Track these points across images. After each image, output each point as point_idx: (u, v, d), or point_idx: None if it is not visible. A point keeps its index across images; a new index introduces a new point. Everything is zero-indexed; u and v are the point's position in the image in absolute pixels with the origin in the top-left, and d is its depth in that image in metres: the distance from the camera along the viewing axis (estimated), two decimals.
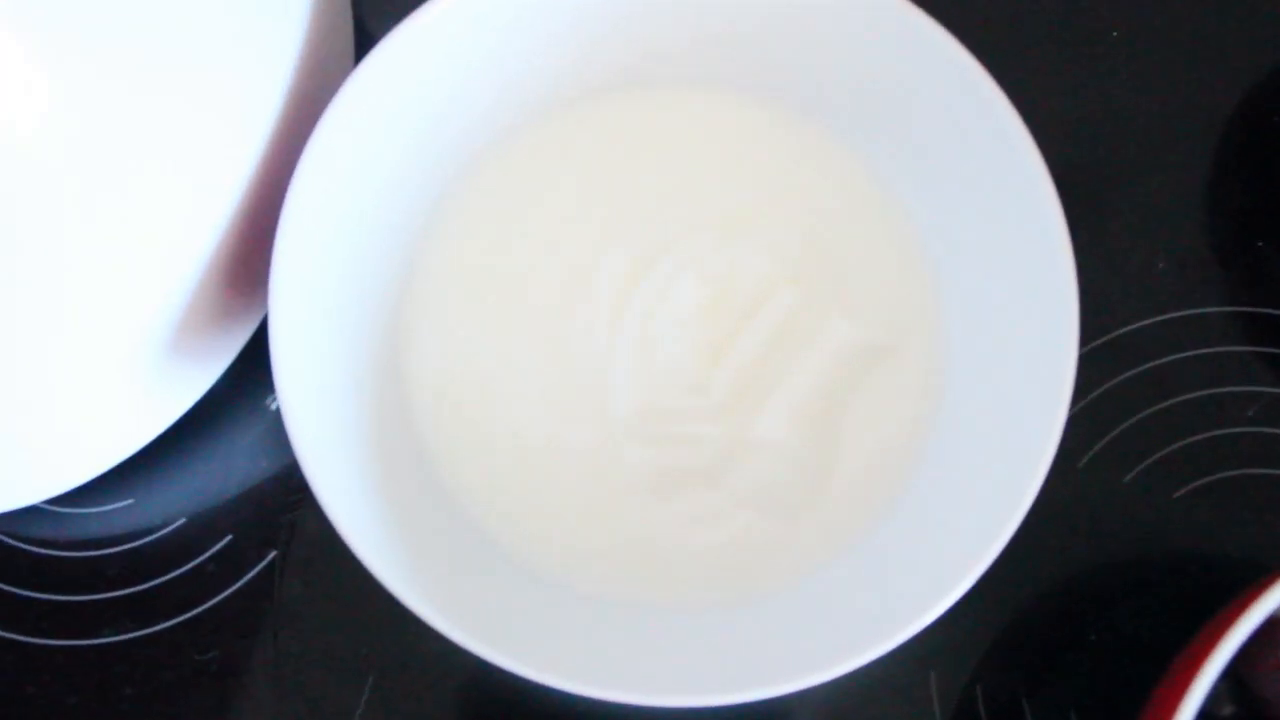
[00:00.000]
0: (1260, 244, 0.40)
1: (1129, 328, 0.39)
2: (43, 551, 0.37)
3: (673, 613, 0.33)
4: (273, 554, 0.37)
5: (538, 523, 0.34)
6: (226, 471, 0.38)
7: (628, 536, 0.34)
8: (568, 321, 0.35)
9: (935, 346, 0.35)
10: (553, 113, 0.36)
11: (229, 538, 0.37)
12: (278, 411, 0.37)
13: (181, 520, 0.37)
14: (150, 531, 0.37)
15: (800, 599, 0.33)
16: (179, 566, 0.37)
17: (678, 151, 0.36)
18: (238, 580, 0.37)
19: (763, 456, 0.34)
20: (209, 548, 0.37)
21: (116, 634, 0.36)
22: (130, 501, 0.37)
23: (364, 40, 0.38)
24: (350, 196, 0.33)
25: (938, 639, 0.35)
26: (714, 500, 0.34)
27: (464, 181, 0.36)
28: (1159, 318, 0.39)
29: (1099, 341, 0.39)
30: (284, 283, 0.30)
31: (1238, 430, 0.39)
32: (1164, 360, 0.39)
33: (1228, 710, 0.33)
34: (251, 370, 0.37)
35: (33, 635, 0.36)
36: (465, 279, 0.35)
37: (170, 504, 0.37)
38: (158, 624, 0.36)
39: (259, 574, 0.37)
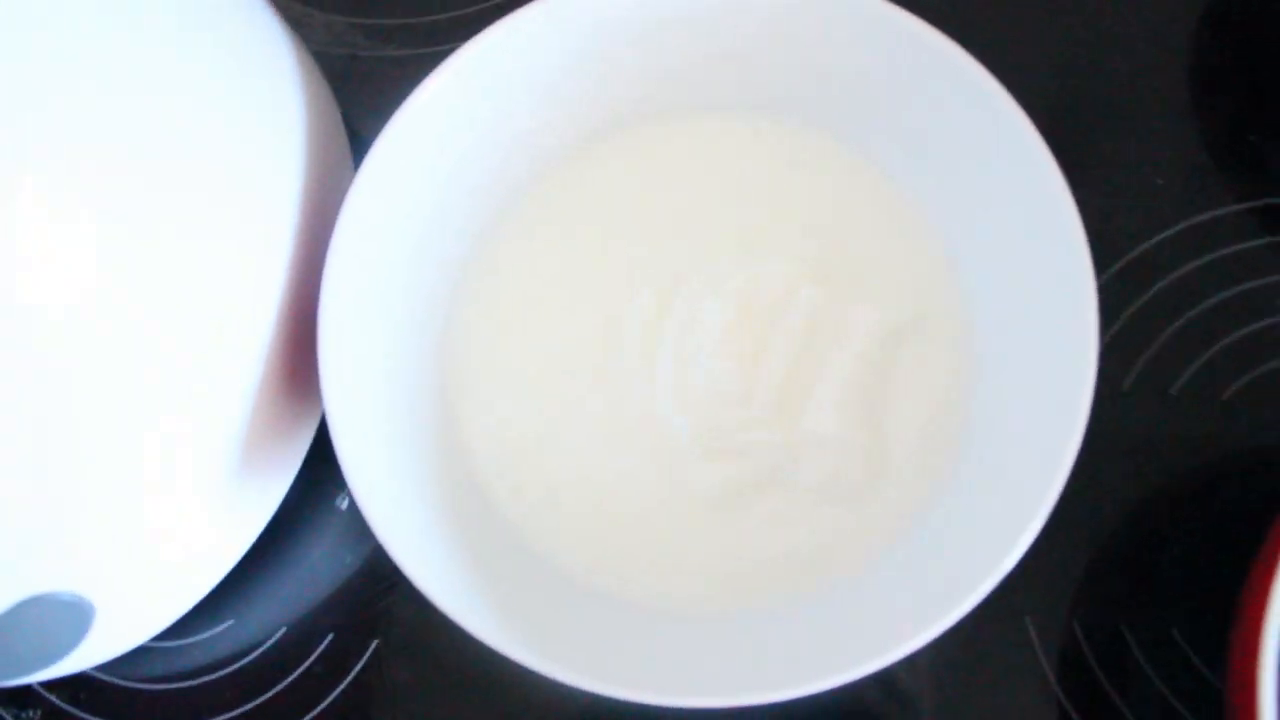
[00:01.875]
0: (1252, 138, 0.41)
1: (1142, 247, 0.40)
2: (158, 688, 0.38)
3: (768, 615, 0.34)
4: (375, 643, 0.38)
5: (620, 557, 0.35)
6: (314, 574, 0.39)
7: (710, 552, 0.35)
8: (608, 360, 0.36)
9: (961, 317, 0.36)
10: (561, 163, 0.38)
11: (330, 636, 0.38)
12: (350, 507, 0.38)
13: (282, 630, 0.38)
14: (255, 647, 0.38)
15: (880, 577, 0.34)
16: (289, 674, 0.38)
17: (689, 178, 0.38)
18: (346, 675, 0.38)
19: (820, 450, 0.35)
20: (313, 650, 0.38)
21: None
22: (230, 623, 0.38)
23: (358, 145, 0.40)
24: (379, 283, 0.34)
25: (1025, 585, 0.36)
26: (786, 500, 0.35)
27: (487, 242, 0.37)
28: (1170, 231, 0.40)
29: (1117, 266, 0.40)
30: (334, 383, 0.32)
31: (1271, 321, 0.39)
32: (1184, 270, 0.40)
33: None
34: (316, 473, 0.38)
35: None
36: (504, 334, 0.37)
37: (269, 617, 0.39)
38: None
39: (366, 665, 0.38)
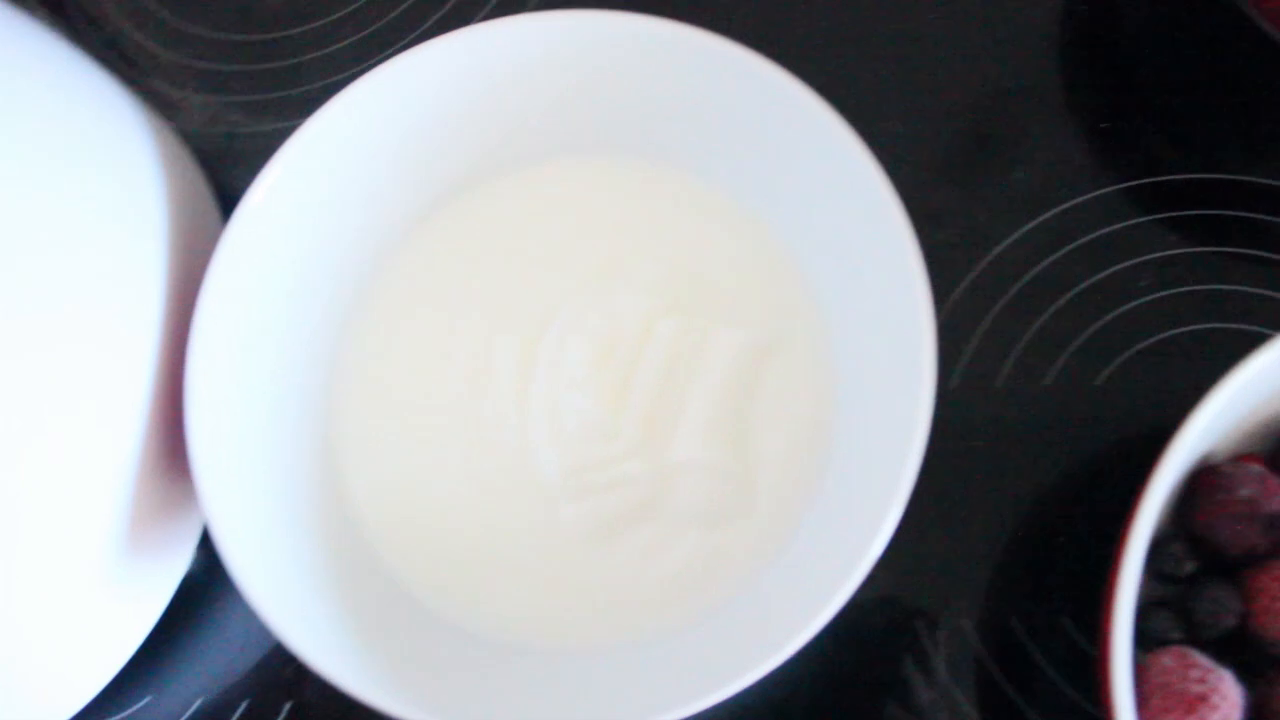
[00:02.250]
0: (1104, 125, 0.42)
1: (1006, 242, 0.40)
2: None
3: (651, 643, 0.35)
4: (289, 705, 0.39)
5: (504, 600, 0.36)
6: (228, 642, 0.40)
7: (591, 586, 0.36)
8: (480, 407, 0.37)
9: (820, 337, 0.36)
10: (425, 217, 0.39)
11: (246, 702, 0.39)
12: None
13: (200, 700, 0.39)
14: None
15: (756, 595, 0.34)
16: None
17: (548, 222, 0.39)
18: None
19: (689, 477, 0.36)
20: (230, 717, 0.39)
21: None
22: (149, 699, 0.39)
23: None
24: (248, 352, 0.35)
25: (914, 590, 0.37)
26: (658, 530, 0.36)
27: (359, 301, 0.38)
28: (1032, 223, 0.40)
29: (983, 264, 0.40)
30: (205, 455, 0.33)
31: (1137, 302, 0.40)
32: (1048, 261, 0.40)
33: (1189, 568, 0.34)
34: None
35: None
36: (382, 387, 0.38)
37: (186, 689, 0.39)
38: None
39: None
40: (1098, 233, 0.40)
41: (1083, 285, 0.40)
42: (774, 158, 0.36)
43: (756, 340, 0.36)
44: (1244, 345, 0.32)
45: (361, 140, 0.36)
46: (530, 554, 0.36)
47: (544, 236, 0.38)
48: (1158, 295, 0.40)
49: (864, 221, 0.34)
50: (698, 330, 0.36)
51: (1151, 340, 0.39)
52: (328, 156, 0.36)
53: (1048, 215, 0.41)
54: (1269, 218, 0.40)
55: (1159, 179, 0.41)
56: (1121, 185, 0.41)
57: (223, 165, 0.43)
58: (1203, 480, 0.34)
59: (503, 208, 0.39)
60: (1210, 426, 0.33)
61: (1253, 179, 0.40)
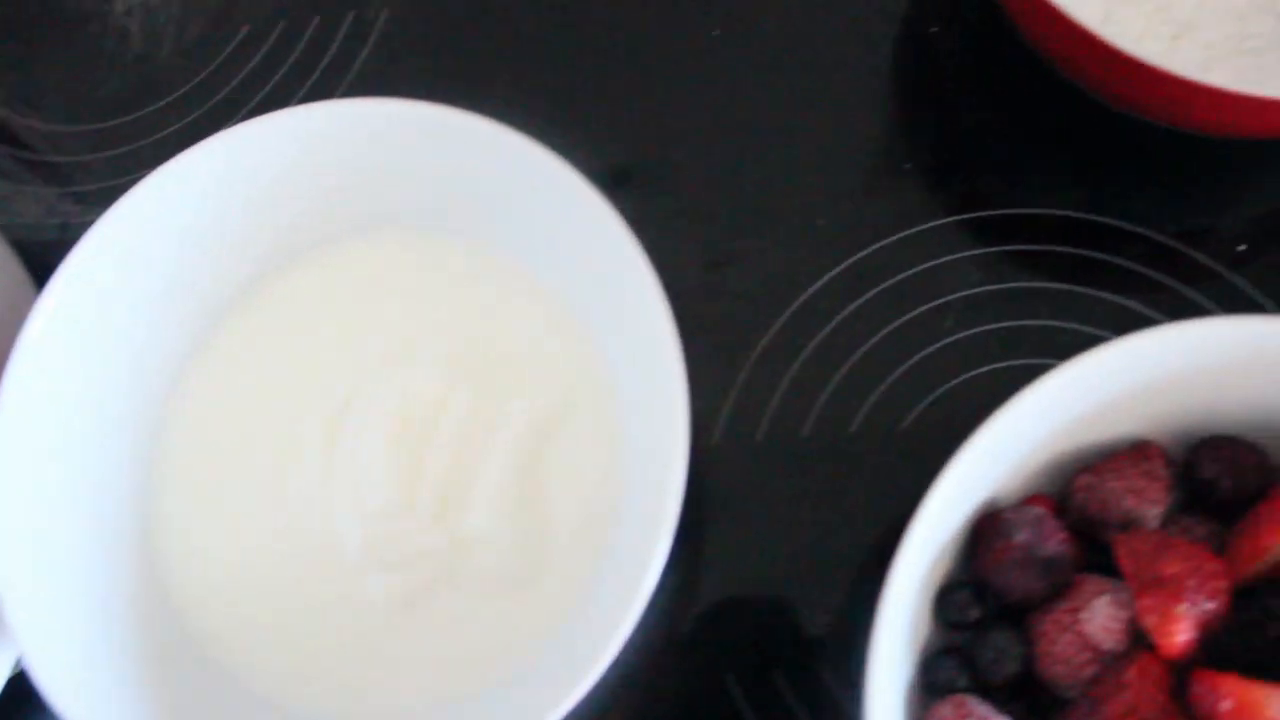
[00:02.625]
0: (907, 166, 0.42)
1: (808, 293, 0.41)
2: None
3: (455, 709, 0.35)
4: None
5: (316, 675, 0.36)
6: None
7: (396, 657, 0.36)
8: (287, 486, 0.38)
9: (606, 407, 0.37)
10: (232, 303, 0.40)
11: None
12: None
13: None
14: None
15: (553, 658, 0.35)
16: None
17: (348, 302, 0.39)
18: None
19: (484, 547, 0.36)
20: None
21: None
22: None
23: None
24: (52, 451, 0.36)
25: (724, 643, 0.37)
26: (458, 599, 0.36)
27: (171, 389, 0.39)
28: (833, 272, 0.41)
29: (784, 316, 0.40)
30: (7, 568, 0.34)
31: (941, 343, 0.40)
32: (850, 309, 0.40)
33: (975, 613, 0.34)
34: None
35: None
36: (196, 473, 0.39)
37: None
38: None
39: None
40: (901, 275, 0.40)
41: (887, 329, 0.40)
42: (552, 230, 0.36)
43: (548, 409, 0.37)
44: None
45: (157, 234, 0.37)
46: (339, 628, 0.37)
47: (344, 315, 0.39)
48: (961, 335, 0.40)
49: (625, 288, 0.34)
50: (490, 401, 0.37)
51: (955, 381, 0.39)
52: (122, 252, 0.37)
53: (851, 261, 0.41)
54: (1067, 249, 0.40)
55: (961, 217, 0.41)
56: (924, 226, 0.41)
57: (56, 257, 0.44)
58: (985, 525, 0.34)
59: (304, 290, 0.39)
60: (981, 470, 0.33)
61: (1050, 211, 0.40)
